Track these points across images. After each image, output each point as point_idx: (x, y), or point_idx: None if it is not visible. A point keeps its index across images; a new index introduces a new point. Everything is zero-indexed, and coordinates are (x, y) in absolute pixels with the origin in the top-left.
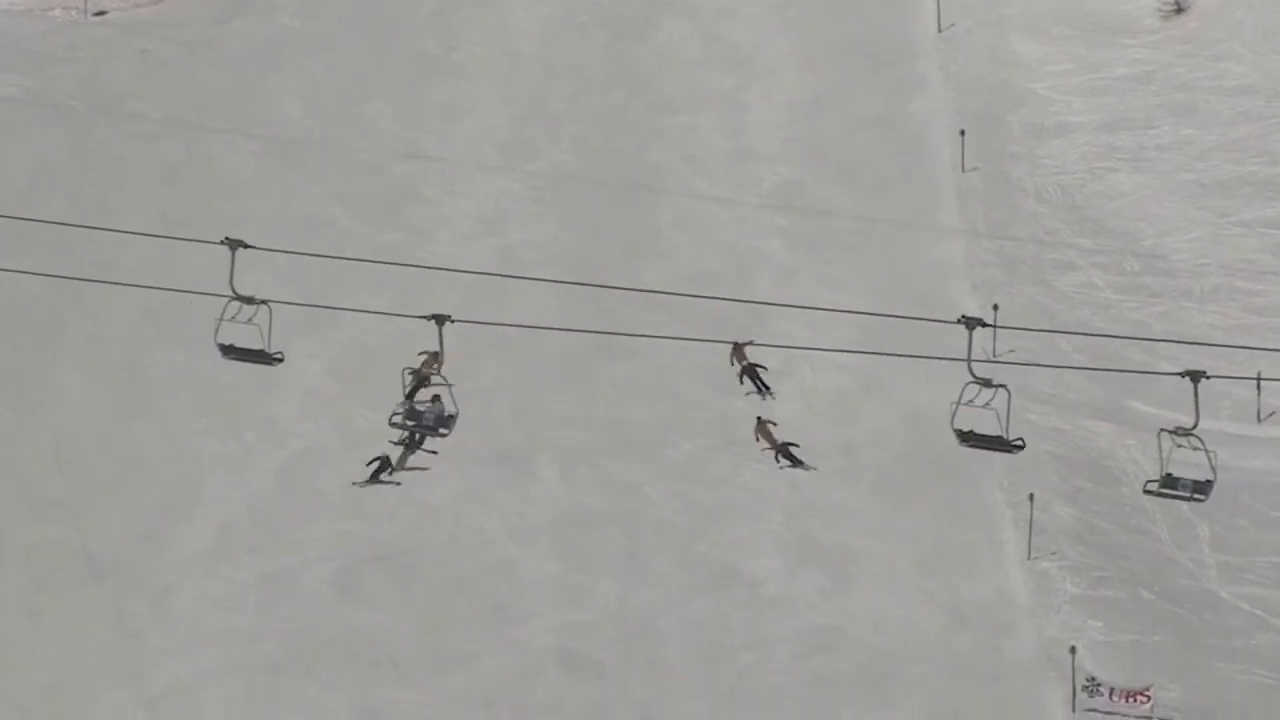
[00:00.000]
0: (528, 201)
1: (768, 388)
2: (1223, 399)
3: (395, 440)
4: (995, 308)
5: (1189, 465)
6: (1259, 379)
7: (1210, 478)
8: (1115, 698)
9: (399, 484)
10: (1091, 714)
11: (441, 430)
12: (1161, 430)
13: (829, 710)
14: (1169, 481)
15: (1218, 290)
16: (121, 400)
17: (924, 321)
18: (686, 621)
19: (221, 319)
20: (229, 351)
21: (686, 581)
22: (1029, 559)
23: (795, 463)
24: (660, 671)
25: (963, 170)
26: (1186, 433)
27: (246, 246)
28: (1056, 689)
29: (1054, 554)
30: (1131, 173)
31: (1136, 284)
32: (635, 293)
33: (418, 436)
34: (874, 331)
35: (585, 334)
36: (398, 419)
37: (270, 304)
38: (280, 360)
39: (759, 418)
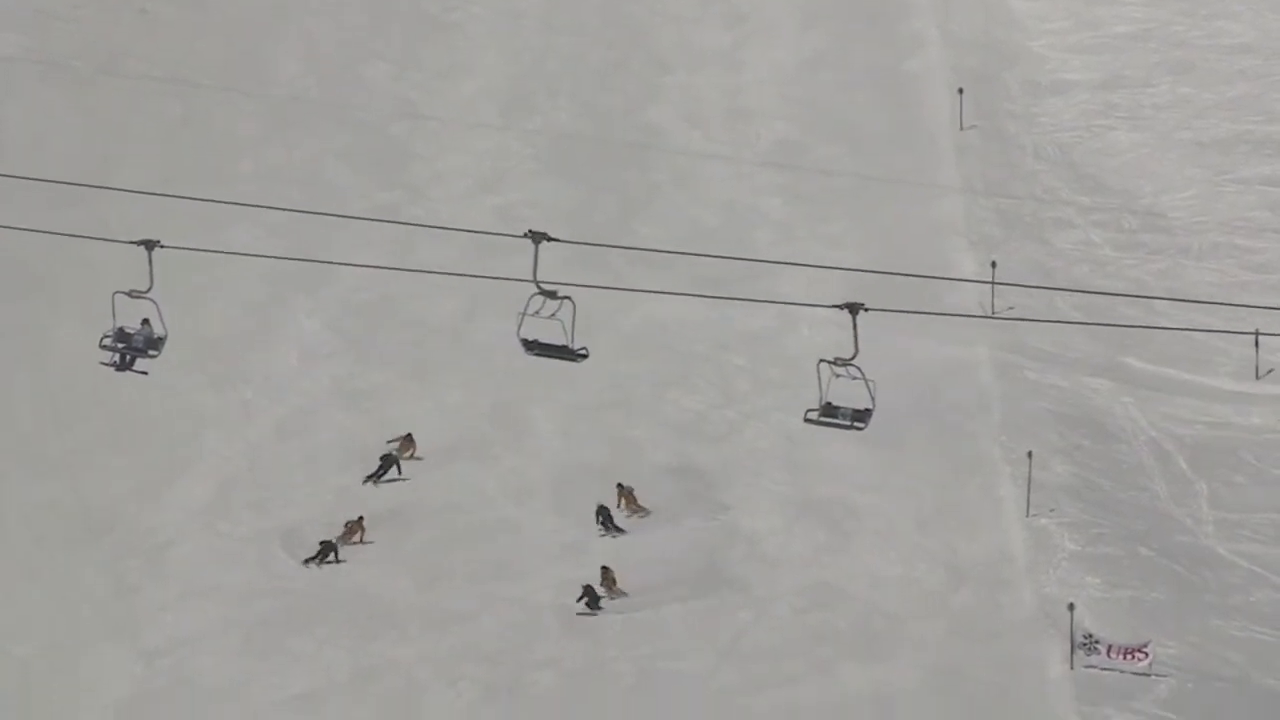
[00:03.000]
0: (526, 160)
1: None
2: (1220, 356)
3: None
4: (993, 265)
5: (849, 395)
6: (1257, 335)
7: (869, 406)
8: (1113, 654)
9: (343, 561)
10: (1090, 670)
11: (151, 352)
12: (821, 360)
13: (827, 666)
14: (829, 410)
15: (1216, 247)
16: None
17: (922, 279)
18: (684, 578)
19: (524, 313)
20: (532, 347)
21: (684, 538)
22: (1027, 516)
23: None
24: (659, 628)
25: (960, 128)
26: (845, 363)
27: (549, 239)
28: (1055, 645)
29: (1052, 511)
30: (1129, 131)
31: (1134, 241)
32: (634, 250)
33: (128, 358)
34: (872, 288)
35: (583, 291)
36: (107, 341)
37: (572, 299)
38: (585, 356)
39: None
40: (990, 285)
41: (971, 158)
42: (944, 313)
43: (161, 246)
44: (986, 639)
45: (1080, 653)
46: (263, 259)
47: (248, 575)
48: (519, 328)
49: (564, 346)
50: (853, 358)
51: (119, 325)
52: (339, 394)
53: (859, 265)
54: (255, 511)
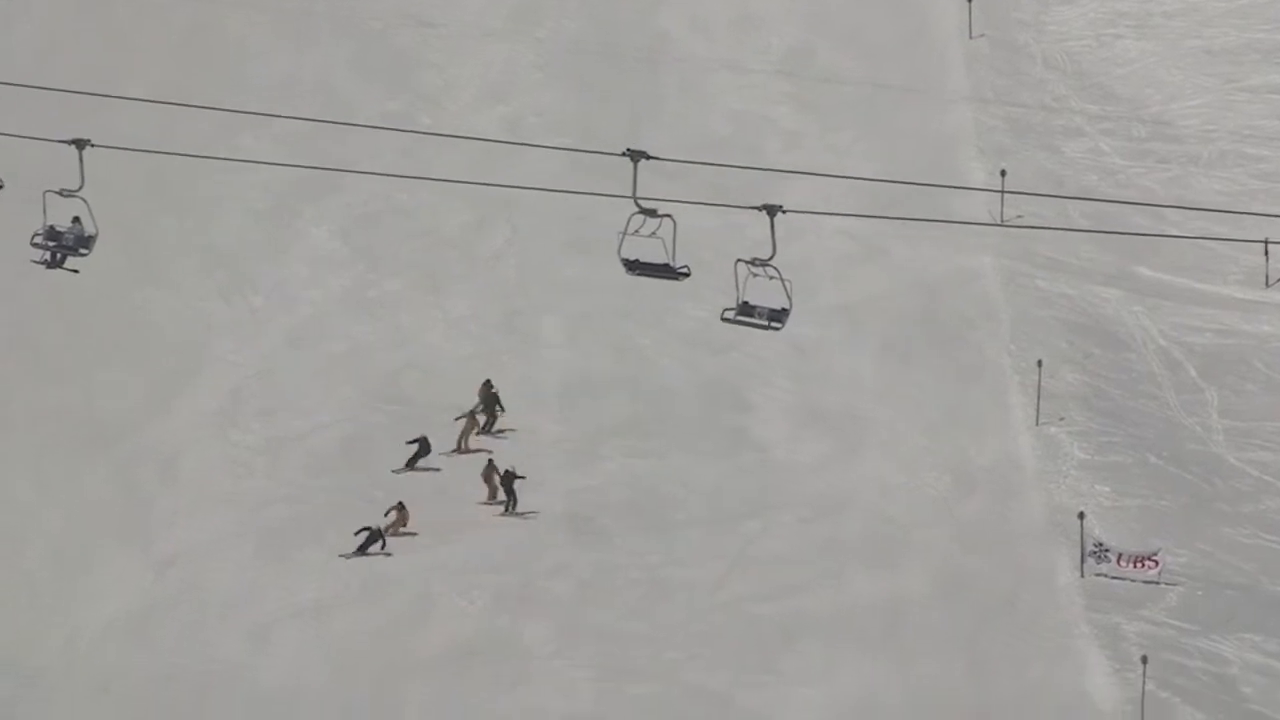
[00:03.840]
0: (534, 68)
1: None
2: (1230, 264)
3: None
4: (1003, 173)
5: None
6: (1266, 244)
7: (786, 306)
8: (1123, 562)
9: (390, 554)
10: (1099, 579)
11: (81, 250)
12: (738, 260)
13: (835, 575)
14: (745, 309)
15: (1225, 156)
16: (130, 266)
17: (932, 187)
18: (693, 487)
19: (625, 233)
20: (634, 266)
21: (693, 448)
22: (1036, 424)
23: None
24: (668, 537)
25: (970, 36)
26: (763, 263)
27: (647, 157)
28: (1064, 554)
29: (1062, 419)
30: (1138, 39)
31: (1143, 150)
32: (642, 159)
33: (59, 256)
34: (880, 197)
35: (591, 200)
36: (38, 240)
37: (673, 217)
38: (687, 274)
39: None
40: (999, 194)
41: (981, 66)
42: (953, 220)
43: (92, 145)
44: (995, 547)
45: (1090, 561)
46: (272, 167)
47: (258, 484)
48: (619, 247)
49: (665, 265)
50: (770, 258)
51: (49, 224)
52: (349, 303)
53: (868, 174)
54: (265, 420)
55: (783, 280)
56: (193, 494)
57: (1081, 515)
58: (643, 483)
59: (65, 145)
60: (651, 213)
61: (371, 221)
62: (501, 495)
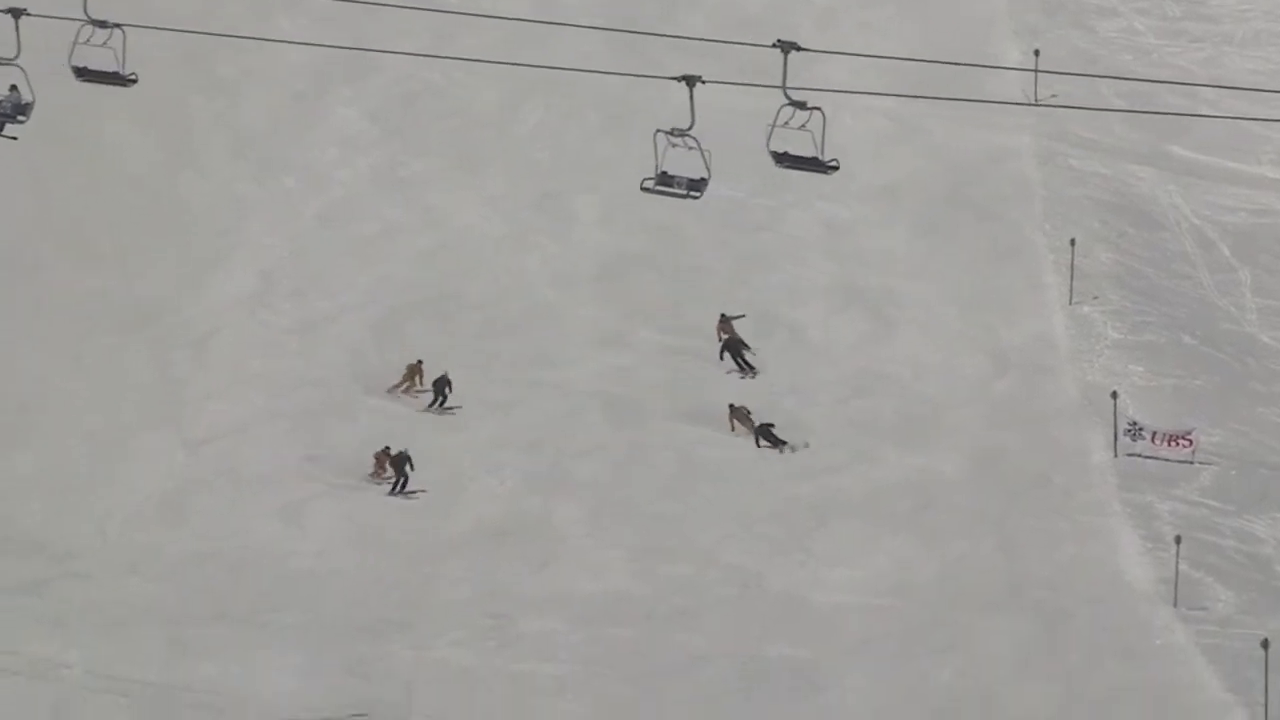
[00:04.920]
0: None
1: (750, 367)
2: (1264, 144)
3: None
4: (1036, 53)
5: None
6: None
7: (705, 175)
8: (1157, 441)
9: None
10: (1133, 458)
11: (19, 117)
12: (658, 130)
13: (870, 453)
14: (664, 179)
15: (1259, 35)
16: (164, 147)
17: (966, 66)
18: (727, 366)
19: (773, 125)
20: (782, 159)
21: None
22: (1070, 303)
23: (776, 443)
24: (702, 416)
25: None
26: (682, 133)
27: (798, 49)
28: (1098, 433)
29: (1095, 298)
30: None
31: (1178, 29)
32: (675, 39)
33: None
34: (914, 75)
35: (625, 79)
36: None
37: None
38: (836, 168)
39: (731, 405)
40: (1034, 73)
41: None
42: (988, 100)
43: (28, 14)
44: (1029, 426)
45: (1124, 440)
46: (305, 47)
47: (291, 364)
48: (768, 140)
49: (814, 159)
50: (690, 128)
51: None
52: (381, 184)
53: (902, 53)
54: (297, 301)
55: (701, 151)
56: (225, 375)
57: (1115, 394)
58: (676, 361)
59: (3, 14)
60: (801, 105)
61: (404, 102)
62: (391, 474)
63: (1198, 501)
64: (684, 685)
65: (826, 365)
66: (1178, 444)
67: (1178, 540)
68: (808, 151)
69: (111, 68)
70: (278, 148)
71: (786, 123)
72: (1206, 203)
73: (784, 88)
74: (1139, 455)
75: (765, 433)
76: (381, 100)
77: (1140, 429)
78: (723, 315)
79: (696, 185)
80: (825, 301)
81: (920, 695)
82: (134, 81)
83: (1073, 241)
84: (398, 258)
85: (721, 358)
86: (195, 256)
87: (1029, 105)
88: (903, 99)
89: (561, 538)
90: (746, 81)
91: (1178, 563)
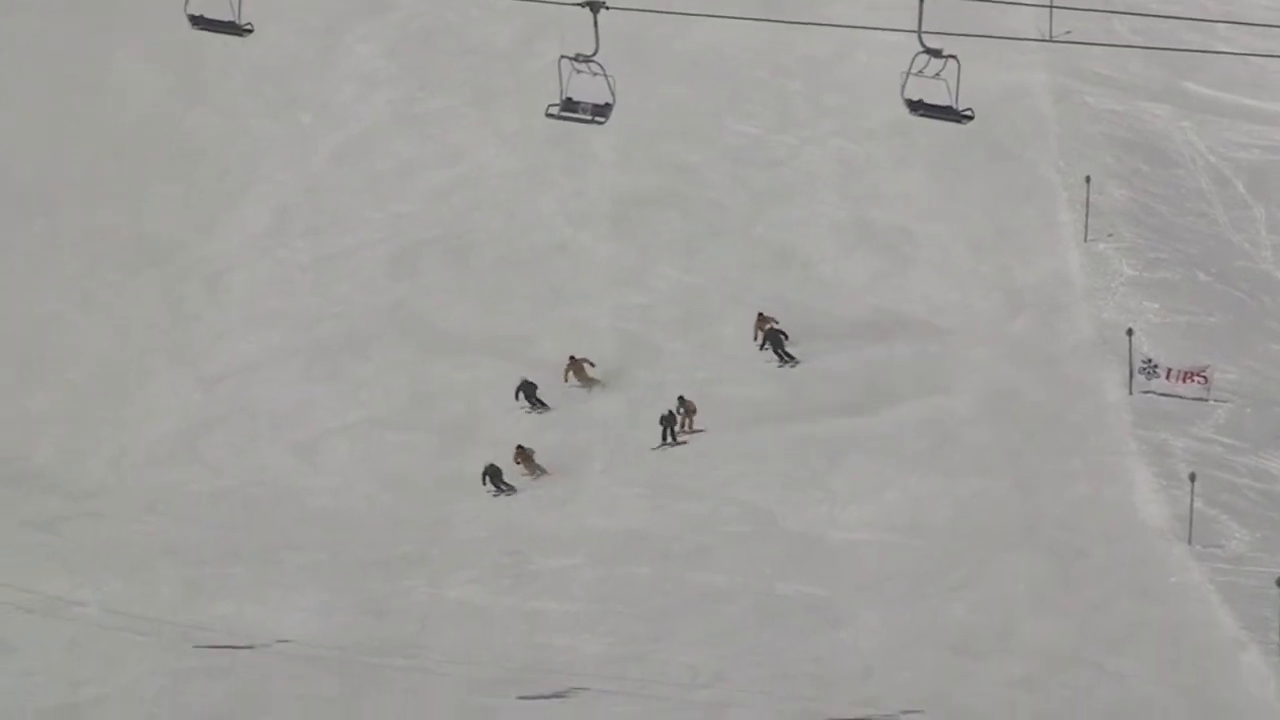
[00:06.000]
0: None
1: (791, 357)
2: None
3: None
4: None
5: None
6: None
7: (610, 100)
8: (1172, 377)
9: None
10: (1148, 395)
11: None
12: (562, 57)
13: (886, 391)
14: (569, 105)
15: None
16: (177, 83)
17: (979, 2)
18: (743, 303)
19: (909, 72)
20: (917, 107)
21: (742, 263)
22: (1085, 241)
23: (784, 358)
24: (717, 353)
25: None
26: (587, 59)
27: None
28: (1113, 370)
29: (1110, 236)
30: None
31: None
32: None
33: None
34: (928, 10)
35: (643, 15)
36: None
37: (958, 59)
38: (970, 118)
39: (519, 446)
40: (1048, 9)
41: None
42: (1002, 36)
43: None
44: (1044, 364)
45: (1140, 377)
46: None
47: (306, 301)
48: (903, 87)
49: (949, 107)
50: (594, 54)
51: None
52: (397, 120)
53: None
54: (313, 238)
55: (606, 76)
56: (241, 312)
57: (1130, 331)
58: (692, 298)
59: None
60: (936, 53)
61: (421, 38)
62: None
63: (1212, 439)
64: (699, 622)
65: (842, 302)
66: (1193, 380)
67: (1192, 478)
68: (941, 100)
69: (227, 17)
70: (294, 84)
71: (921, 70)
72: (1222, 139)
73: (919, 32)
74: (1154, 393)
75: (775, 340)
76: (398, 37)
77: (1155, 366)
78: (761, 314)
79: (601, 110)
80: (839, 238)
81: (934, 632)
82: (250, 31)
83: (1088, 179)
84: (414, 194)
85: (763, 348)
86: (209, 193)
87: (1044, 41)
88: (917, 35)
89: (577, 476)
90: (682, 10)
91: (1192, 500)
